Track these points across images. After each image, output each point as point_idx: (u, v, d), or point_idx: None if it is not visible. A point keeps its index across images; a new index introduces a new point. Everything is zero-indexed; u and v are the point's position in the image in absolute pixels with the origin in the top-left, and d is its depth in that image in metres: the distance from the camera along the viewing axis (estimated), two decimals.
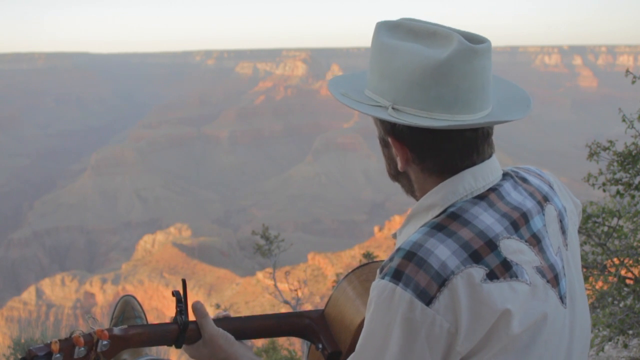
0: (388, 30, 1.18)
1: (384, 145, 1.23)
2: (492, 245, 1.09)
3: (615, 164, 3.69)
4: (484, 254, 1.08)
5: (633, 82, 3.81)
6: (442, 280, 1.04)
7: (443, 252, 1.06)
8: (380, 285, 1.08)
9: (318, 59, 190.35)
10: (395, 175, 1.26)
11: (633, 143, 3.66)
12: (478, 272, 1.06)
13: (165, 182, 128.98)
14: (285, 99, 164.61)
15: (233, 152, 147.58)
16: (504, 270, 1.08)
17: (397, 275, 1.06)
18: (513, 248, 1.12)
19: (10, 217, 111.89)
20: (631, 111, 3.69)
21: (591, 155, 3.82)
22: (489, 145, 1.18)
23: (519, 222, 1.15)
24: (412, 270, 1.05)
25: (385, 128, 1.19)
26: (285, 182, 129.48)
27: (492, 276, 1.06)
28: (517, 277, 1.09)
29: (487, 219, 1.12)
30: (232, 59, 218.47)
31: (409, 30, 1.17)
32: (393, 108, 1.13)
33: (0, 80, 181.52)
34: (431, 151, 1.15)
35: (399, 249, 1.09)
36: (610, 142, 3.73)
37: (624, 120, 3.70)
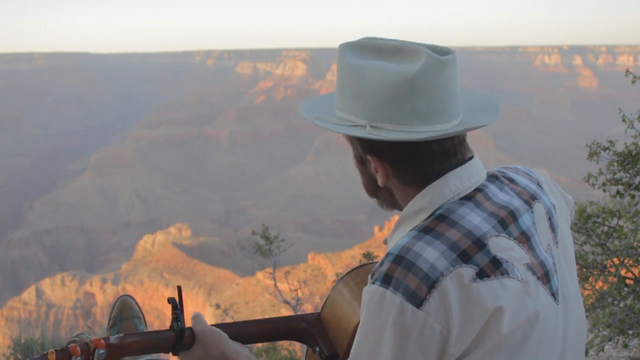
0: (352, 51, 1.21)
1: (361, 163, 1.25)
2: (480, 244, 1.10)
3: (615, 164, 3.68)
4: (473, 253, 1.08)
5: (633, 82, 3.80)
6: (431, 282, 1.04)
7: (431, 254, 1.07)
8: (370, 290, 1.08)
9: (318, 59, 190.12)
10: (374, 190, 1.27)
11: (633, 143, 3.65)
12: (467, 271, 1.06)
13: (165, 182, 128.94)
14: (285, 99, 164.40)
15: (233, 152, 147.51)
16: (494, 268, 1.08)
17: (386, 280, 1.06)
18: (502, 246, 1.12)
19: (10, 217, 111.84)
20: (631, 111, 3.67)
21: (591, 155, 3.81)
22: (466, 150, 1.21)
23: (507, 220, 1.16)
24: (401, 274, 1.06)
25: (364, 146, 1.20)
26: (285, 182, 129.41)
27: (482, 275, 1.07)
28: (507, 274, 1.09)
29: (474, 219, 1.13)
30: (232, 59, 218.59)
31: (372, 49, 1.19)
32: (371, 126, 1.14)
33: (0, 80, 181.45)
34: (412, 163, 1.17)
35: (388, 254, 1.11)
36: (610, 142, 3.72)
37: (624, 120, 3.69)
